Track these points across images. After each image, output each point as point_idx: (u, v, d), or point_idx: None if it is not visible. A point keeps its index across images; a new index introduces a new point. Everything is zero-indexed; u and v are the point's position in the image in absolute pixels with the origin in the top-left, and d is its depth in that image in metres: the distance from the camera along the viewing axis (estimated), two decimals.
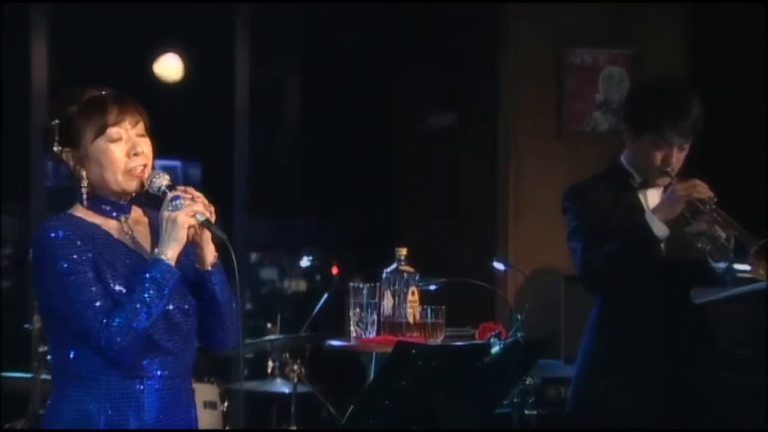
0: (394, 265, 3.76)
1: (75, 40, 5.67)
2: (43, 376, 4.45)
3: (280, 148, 6.68)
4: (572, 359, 3.83)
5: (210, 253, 2.61)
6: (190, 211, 2.53)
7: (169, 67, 6.07)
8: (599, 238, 3.52)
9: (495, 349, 2.86)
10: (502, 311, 4.91)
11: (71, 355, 2.53)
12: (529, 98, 5.39)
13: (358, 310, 3.72)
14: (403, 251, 3.77)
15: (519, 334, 3.70)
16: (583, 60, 5.41)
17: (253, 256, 6.56)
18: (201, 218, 2.54)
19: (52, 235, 2.51)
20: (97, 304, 2.48)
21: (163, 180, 2.58)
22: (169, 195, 2.55)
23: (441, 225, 5.74)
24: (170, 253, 2.52)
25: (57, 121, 2.59)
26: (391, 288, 3.74)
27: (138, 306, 2.48)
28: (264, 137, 6.32)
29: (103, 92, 2.60)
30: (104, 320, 2.47)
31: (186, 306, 2.61)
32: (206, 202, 2.56)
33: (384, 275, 3.76)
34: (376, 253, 4.20)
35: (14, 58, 5.49)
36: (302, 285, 6.71)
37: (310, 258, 6.13)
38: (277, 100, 6.60)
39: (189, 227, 2.54)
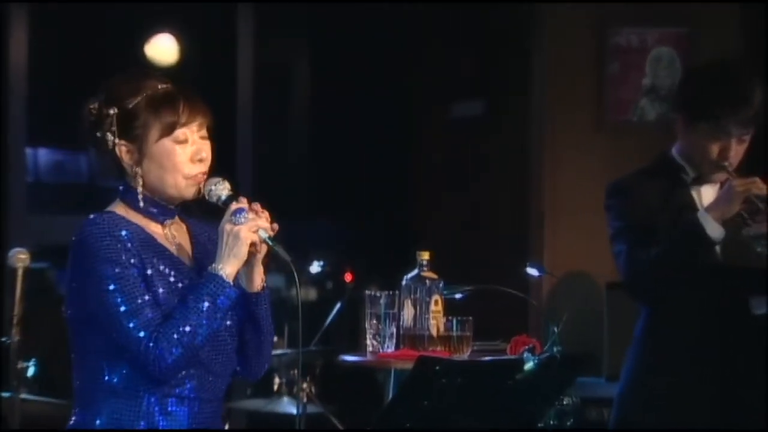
0: (415, 271, 3.75)
1: (57, 20, 5.68)
2: (23, 396, 4.44)
3: (288, 142, 6.68)
4: (615, 377, 3.83)
5: (260, 275, 2.66)
6: (254, 226, 2.58)
7: (162, 49, 6.07)
8: (646, 240, 3.49)
9: (528, 366, 2.87)
10: (537, 323, 4.90)
11: (104, 367, 2.57)
12: (567, 84, 5.38)
13: (374, 321, 3.71)
14: (425, 255, 3.76)
15: (555, 349, 3.67)
16: (629, 41, 5.39)
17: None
18: (264, 235, 2.59)
19: (101, 233, 2.53)
20: (146, 315, 2.51)
21: (225, 189, 2.63)
22: (233, 207, 2.59)
23: (467, 226, 5.73)
24: (229, 269, 2.56)
25: (115, 110, 2.60)
26: (412, 297, 3.73)
27: (193, 323, 2.52)
28: (269, 129, 6.32)
29: (167, 85, 2.64)
30: (154, 335, 2.50)
31: (230, 323, 2.65)
32: (269, 218, 2.61)
33: (404, 282, 3.75)
34: (394, 258, 4.18)
35: None
36: (312, 293, 6.69)
37: (321, 263, 6.10)
38: (284, 87, 6.60)
39: (251, 244, 2.57)
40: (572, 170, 5.37)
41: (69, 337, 2.63)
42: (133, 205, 2.63)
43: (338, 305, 5.20)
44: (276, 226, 2.61)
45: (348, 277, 6.36)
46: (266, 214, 2.62)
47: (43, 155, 5.98)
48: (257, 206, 2.62)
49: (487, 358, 3.47)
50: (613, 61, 5.39)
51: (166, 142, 2.60)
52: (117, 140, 2.61)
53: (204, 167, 2.63)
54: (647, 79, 5.42)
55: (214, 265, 2.57)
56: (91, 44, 5.55)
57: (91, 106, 2.63)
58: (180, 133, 2.61)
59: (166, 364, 2.51)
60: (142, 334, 2.50)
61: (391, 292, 3.71)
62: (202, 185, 2.63)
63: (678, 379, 3.53)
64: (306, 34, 6.51)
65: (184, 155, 2.61)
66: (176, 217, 2.70)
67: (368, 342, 3.72)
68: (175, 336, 2.50)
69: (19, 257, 3.96)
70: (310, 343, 5.15)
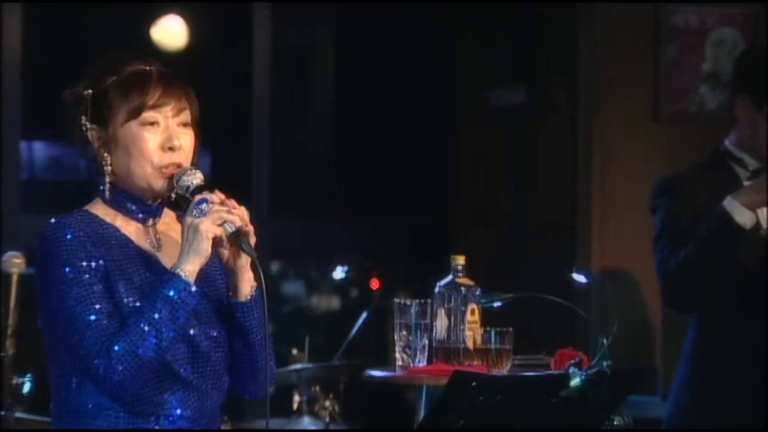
0: (450, 277, 3.76)
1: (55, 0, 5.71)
2: (18, 414, 4.48)
3: (309, 133, 6.69)
4: None
5: (247, 282, 2.63)
6: (217, 219, 2.55)
7: (171, 31, 6.09)
8: (685, 244, 3.48)
9: (575, 382, 2.87)
10: (584, 334, 4.89)
11: (73, 384, 2.57)
12: (617, 70, 5.38)
13: (404, 332, 3.72)
14: (460, 260, 3.77)
15: (605, 363, 3.67)
16: (687, 21, 5.38)
17: (275, 267, 6.58)
18: (230, 229, 2.56)
19: (59, 234, 2.54)
20: (101, 323, 2.50)
21: (194, 179, 2.61)
22: (196, 198, 2.58)
23: (507, 227, 5.74)
24: (188, 268, 2.54)
25: (90, 92, 2.62)
26: (446, 305, 3.73)
27: (146, 329, 2.50)
28: (289, 120, 6.34)
29: (149, 67, 2.65)
30: (105, 345, 2.48)
31: (215, 333, 2.63)
32: (244, 212, 2.58)
33: (437, 290, 3.75)
34: (426, 263, 4.18)
35: None
36: (335, 302, 6.72)
37: (345, 269, 6.13)
38: (306, 72, 6.61)
39: (214, 238, 2.55)
40: (624, 165, 5.36)
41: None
42: (111, 203, 2.63)
43: (364, 315, 5.20)
44: (250, 226, 2.57)
45: (375, 284, 6.38)
46: (240, 208, 2.58)
47: (40, 150, 6.02)
48: (225, 198, 2.58)
49: (529, 374, 3.46)
50: (669, 44, 5.38)
51: (133, 125, 2.60)
52: (89, 124, 2.62)
53: (177, 158, 2.61)
54: (707, 63, 5.40)
55: (174, 263, 2.55)
56: (93, 27, 5.58)
57: (72, 89, 2.65)
58: (149, 115, 2.60)
59: (112, 382, 2.49)
60: (93, 342, 2.49)
61: (422, 301, 3.72)
62: (174, 178, 2.60)
63: (725, 399, 3.52)
64: (330, 13, 6.52)
65: (153, 141, 2.60)
66: (167, 216, 2.69)
67: (397, 355, 3.72)
68: (126, 345, 2.48)
69: (14, 261, 4.00)
70: (333, 356, 5.16)
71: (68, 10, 5.69)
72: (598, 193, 5.37)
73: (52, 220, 2.57)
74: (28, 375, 4.12)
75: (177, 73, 2.68)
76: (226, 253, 2.60)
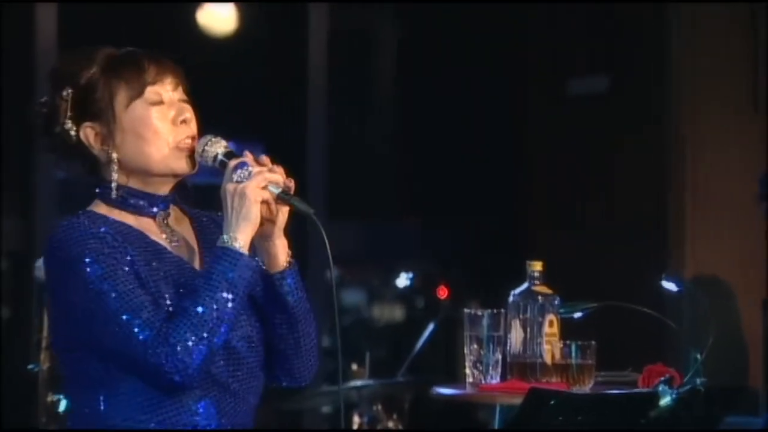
0: (525, 285, 3.75)
1: None
2: None
3: (369, 127, 6.70)
4: None
5: (282, 248, 2.63)
6: (262, 180, 2.56)
7: (218, 16, 6.13)
8: None
9: (665, 401, 2.86)
10: (675, 348, 4.86)
11: (100, 401, 2.57)
12: (711, 55, 5.35)
13: (475, 346, 3.72)
14: (536, 266, 3.76)
15: (699, 381, 3.65)
16: None
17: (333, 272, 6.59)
18: (276, 190, 2.56)
19: (78, 233, 2.54)
20: (148, 313, 2.50)
21: (219, 147, 2.62)
22: (232, 163, 2.58)
23: (588, 229, 5.73)
24: (241, 237, 2.54)
25: (70, 91, 2.63)
26: (521, 316, 3.73)
27: (207, 311, 2.49)
28: (347, 112, 6.35)
29: (127, 48, 2.66)
30: (162, 334, 2.47)
31: (251, 332, 2.64)
32: (281, 170, 2.59)
33: (511, 299, 3.75)
34: (498, 269, 4.17)
35: (14, 19, 5.58)
36: (398, 312, 6.73)
37: (409, 275, 6.14)
38: (365, 61, 6.63)
39: (262, 202, 2.55)
40: (720, 159, 5.34)
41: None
42: (114, 201, 2.64)
43: (431, 327, 5.20)
44: (292, 180, 2.58)
45: (442, 293, 6.38)
46: (278, 168, 2.59)
47: None
48: (265, 159, 2.59)
49: (613, 392, 3.45)
50: None
51: (138, 105, 2.61)
52: (77, 125, 2.63)
53: (191, 130, 2.63)
54: None
55: (222, 236, 2.54)
56: (131, 13, 5.62)
57: (40, 100, 2.66)
58: (151, 92, 2.62)
59: (184, 365, 2.47)
60: (147, 333, 2.48)
61: (495, 311, 3.71)
62: (197, 151, 2.61)
63: None
64: None
65: (164, 118, 2.62)
66: (172, 207, 2.70)
67: (467, 371, 3.72)
68: (190, 330, 2.48)
69: None
70: (396, 372, 5.17)
71: None
72: (690, 191, 5.35)
73: (63, 222, 2.57)
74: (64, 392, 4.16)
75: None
76: (264, 211, 2.58)
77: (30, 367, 4.61)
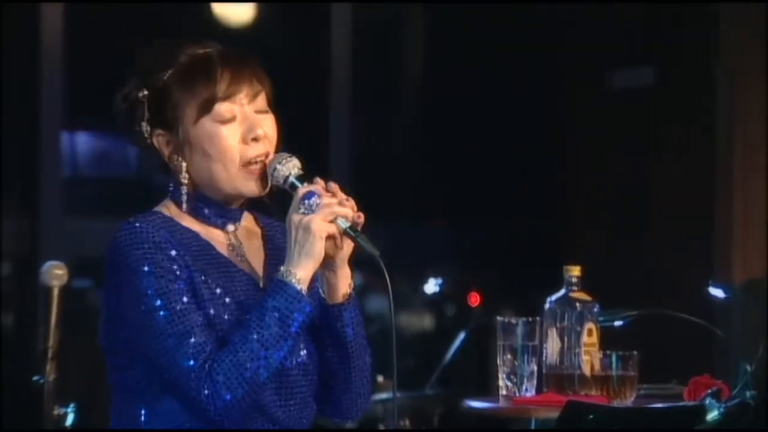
0: (563, 292, 3.75)
1: None
2: None
3: (395, 124, 6.71)
4: None
5: (345, 279, 2.64)
6: (330, 214, 2.56)
7: (236, 12, 6.14)
8: None
9: (712, 415, 2.87)
10: (723, 359, 4.84)
11: (142, 415, 2.59)
12: (764, 46, 5.31)
13: (508, 356, 3.71)
14: (574, 271, 3.76)
15: (748, 393, 3.63)
16: None
17: (356, 279, 6.59)
18: (344, 225, 2.57)
19: (139, 239, 2.56)
20: (198, 340, 2.52)
21: (292, 167, 2.62)
22: (300, 192, 2.58)
23: (630, 233, 5.71)
24: (301, 274, 2.55)
25: (146, 92, 2.63)
26: (558, 325, 3.73)
27: (255, 348, 2.51)
28: (372, 109, 6.35)
29: (209, 49, 2.65)
30: (206, 365, 2.50)
31: (307, 359, 2.65)
32: (353, 204, 2.60)
33: (547, 306, 3.75)
34: (534, 275, 4.16)
35: (18, 16, 5.59)
36: (427, 321, 6.72)
37: (438, 282, 6.13)
38: (390, 52, 6.63)
39: (328, 238, 2.56)
40: None
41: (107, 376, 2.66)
42: (187, 209, 2.65)
43: (462, 336, 5.21)
44: (361, 215, 2.58)
45: (474, 300, 6.36)
46: (350, 200, 2.59)
47: (83, 142, 6.08)
48: (334, 187, 2.59)
49: (657, 405, 3.43)
50: None
51: (206, 122, 2.61)
52: (151, 130, 2.64)
53: (263, 148, 2.62)
54: None
55: (282, 268, 2.55)
56: (149, 11, 5.62)
57: (123, 92, 2.66)
58: (223, 109, 2.61)
59: (224, 402, 2.50)
60: (192, 362, 2.50)
61: (530, 319, 3.71)
62: (268, 171, 2.60)
63: None
64: None
65: (234, 137, 2.61)
66: (245, 219, 2.71)
67: (501, 383, 3.72)
68: (234, 367, 2.50)
69: (55, 273, 4.01)
70: (425, 384, 5.16)
71: None
72: (739, 193, 5.35)
73: (129, 222, 2.58)
74: (71, 404, 4.15)
75: (242, 51, 2.68)
76: (329, 246, 2.59)
77: (35, 378, 4.62)
